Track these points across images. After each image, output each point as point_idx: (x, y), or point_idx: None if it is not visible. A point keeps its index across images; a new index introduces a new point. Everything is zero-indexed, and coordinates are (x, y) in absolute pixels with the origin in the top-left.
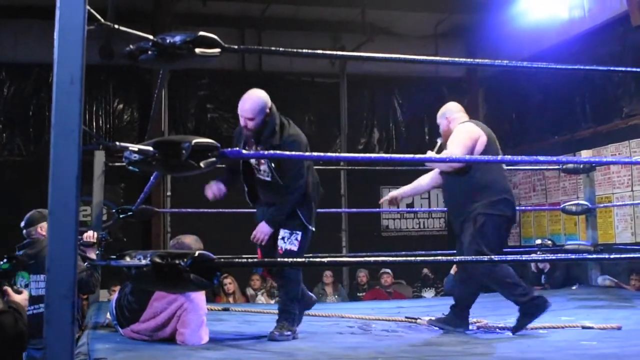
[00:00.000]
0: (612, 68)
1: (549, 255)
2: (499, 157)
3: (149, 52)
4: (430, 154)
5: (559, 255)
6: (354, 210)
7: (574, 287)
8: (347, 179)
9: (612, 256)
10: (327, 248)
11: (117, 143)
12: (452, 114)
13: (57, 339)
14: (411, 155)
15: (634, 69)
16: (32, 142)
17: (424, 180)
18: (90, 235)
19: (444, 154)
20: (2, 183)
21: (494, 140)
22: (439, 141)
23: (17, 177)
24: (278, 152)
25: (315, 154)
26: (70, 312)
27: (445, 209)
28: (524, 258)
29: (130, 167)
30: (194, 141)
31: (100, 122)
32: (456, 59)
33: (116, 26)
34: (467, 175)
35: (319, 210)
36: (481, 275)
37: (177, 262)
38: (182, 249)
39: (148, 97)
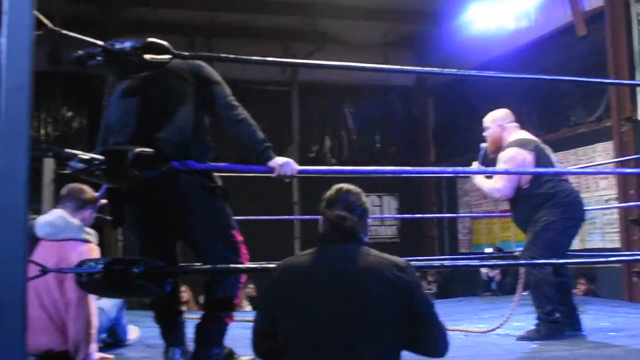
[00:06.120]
0: (558, 77)
1: (500, 261)
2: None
3: (98, 58)
4: (475, 163)
5: (510, 261)
6: (306, 217)
7: (525, 293)
8: (299, 186)
9: (560, 261)
10: (280, 256)
11: (67, 150)
12: (505, 121)
13: (8, 350)
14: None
15: (580, 79)
16: None
17: None
18: None
19: (489, 185)
20: None
21: (542, 151)
22: (483, 146)
23: None
24: (228, 164)
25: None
26: (21, 322)
27: (400, 215)
28: (475, 263)
29: (80, 176)
30: (137, 150)
31: (49, 129)
32: (405, 67)
33: (64, 31)
34: (527, 191)
35: (272, 217)
36: (530, 278)
37: (129, 268)
38: (81, 193)
39: (98, 104)
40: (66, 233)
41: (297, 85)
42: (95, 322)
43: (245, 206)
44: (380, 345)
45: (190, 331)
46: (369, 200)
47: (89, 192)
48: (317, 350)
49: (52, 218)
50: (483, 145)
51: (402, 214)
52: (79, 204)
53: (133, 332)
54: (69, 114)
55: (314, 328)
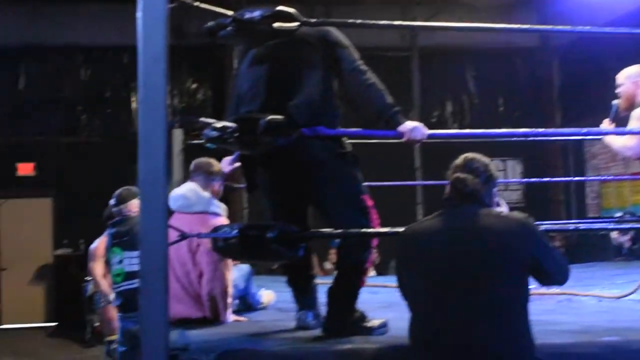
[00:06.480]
0: None
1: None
2: None
3: (228, 28)
4: (606, 121)
5: None
6: (429, 182)
7: None
8: (421, 151)
9: None
10: (403, 222)
11: (201, 119)
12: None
13: (152, 310)
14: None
15: None
16: (110, 124)
17: None
18: None
19: (620, 143)
20: (83, 164)
21: None
22: (615, 104)
23: (98, 158)
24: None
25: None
26: (164, 283)
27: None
28: (612, 227)
29: (208, 145)
30: (269, 118)
31: (175, 101)
32: (530, 26)
33: (197, 3)
34: None
35: (394, 183)
36: None
37: (263, 233)
38: (209, 166)
39: (221, 76)
40: (198, 206)
41: (417, 50)
42: (231, 290)
43: (366, 172)
44: (500, 298)
45: (321, 295)
46: (493, 165)
47: (216, 164)
48: (440, 307)
49: (184, 191)
50: (615, 102)
51: (526, 178)
52: (208, 176)
53: (267, 297)
54: (194, 85)
55: (436, 286)
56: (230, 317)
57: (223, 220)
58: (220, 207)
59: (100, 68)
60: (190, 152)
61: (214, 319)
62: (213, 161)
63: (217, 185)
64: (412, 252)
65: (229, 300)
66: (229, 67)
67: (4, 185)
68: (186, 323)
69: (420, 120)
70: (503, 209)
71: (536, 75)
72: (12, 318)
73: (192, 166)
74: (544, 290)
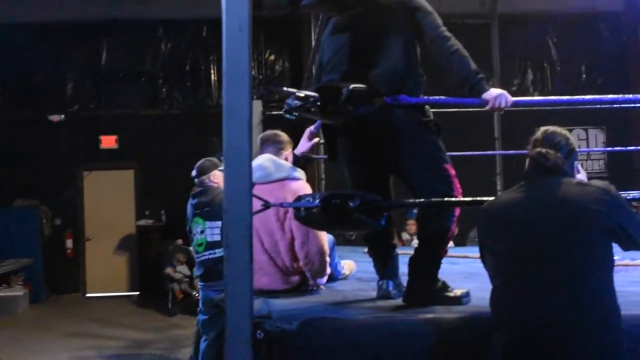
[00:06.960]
0: None
1: None
2: None
3: None
4: None
5: None
6: (509, 152)
7: None
8: (501, 121)
9: None
10: (481, 192)
11: (284, 89)
12: None
13: (237, 276)
14: None
15: None
16: (190, 96)
17: None
18: None
19: None
20: (164, 136)
21: None
22: None
23: (178, 129)
24: (442, 97)
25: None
26: (249, 251)
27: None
28: None
29: (287, 116)
30: (352, 86)
31: (254, 73)
32: None
33: None
34: None
35: (474, 153)
36: None
37: (346, 203)
38: (277, 136)
39: (298, 48)
40: (279, 173)
41: (496, 17)
42: (327, 248)
43: (447, 141)
44: (585, 266)
45: (401, 266)
46: (575, 134)
47: (283, 134)
48: (524, 277)
49: (261, 161)
50: None
51: (609, 147)
52: (279, 146)
53: (349, 267)
54: (272, 57)
55: (520, 256)
56: (325, 278)
57: (304, 184)
58: (300, 172)
59: (180, 41)
60: (269, 124)
61: (314, 278)
62: (279, 132)
63: (288, 154)
64: (496, 224)
65: (327, 259)
66: (306, 38)
67: (88, 157)
68: (272, 294)
69: (501, 88)
70: (581, 176)
71: (620, 40)
72: (96, 287)
73: (259, 140)
74: (628, 261)
